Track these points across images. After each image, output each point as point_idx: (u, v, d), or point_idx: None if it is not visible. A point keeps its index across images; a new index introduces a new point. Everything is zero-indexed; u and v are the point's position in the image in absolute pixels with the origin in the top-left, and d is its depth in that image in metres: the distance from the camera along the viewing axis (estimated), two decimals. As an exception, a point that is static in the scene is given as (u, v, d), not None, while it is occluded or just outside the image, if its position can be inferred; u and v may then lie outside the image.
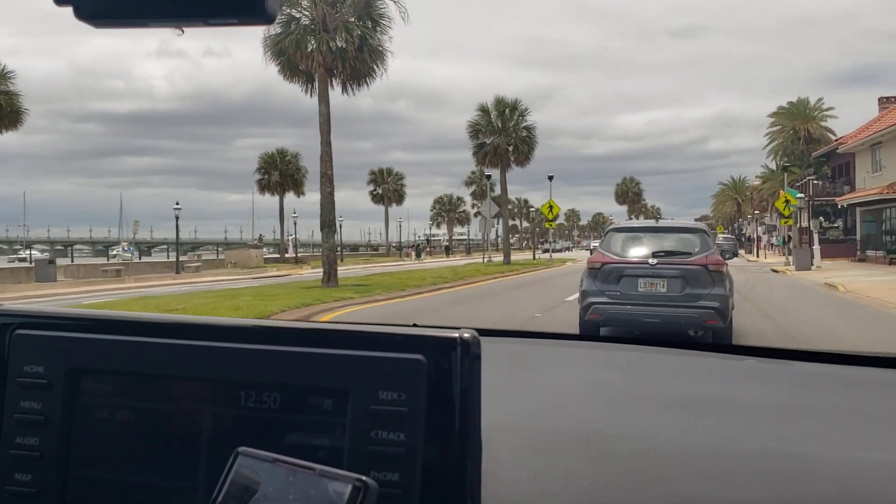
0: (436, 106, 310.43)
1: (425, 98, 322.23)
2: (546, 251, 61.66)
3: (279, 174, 59.04)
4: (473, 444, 0.73)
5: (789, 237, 61.42)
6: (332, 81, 21.55)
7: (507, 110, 43.23)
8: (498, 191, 45.92)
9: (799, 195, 43.55)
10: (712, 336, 8.96)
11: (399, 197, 76.83)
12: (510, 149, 42.91)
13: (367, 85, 21.71)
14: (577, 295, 16.28)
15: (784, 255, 58.30)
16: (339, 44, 20.83)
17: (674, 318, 8.94)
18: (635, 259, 9.27)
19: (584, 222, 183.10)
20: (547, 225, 48.16)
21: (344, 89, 21.67)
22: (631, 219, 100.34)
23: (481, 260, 44.20)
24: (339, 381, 0.75)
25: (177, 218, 42.22)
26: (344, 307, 14.83)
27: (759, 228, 70.06)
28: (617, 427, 0.98)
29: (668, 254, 9.30)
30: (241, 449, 0.67)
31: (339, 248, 70.97)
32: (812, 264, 33.76)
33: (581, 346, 1.69)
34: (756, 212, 72.33)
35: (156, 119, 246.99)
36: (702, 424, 1.00)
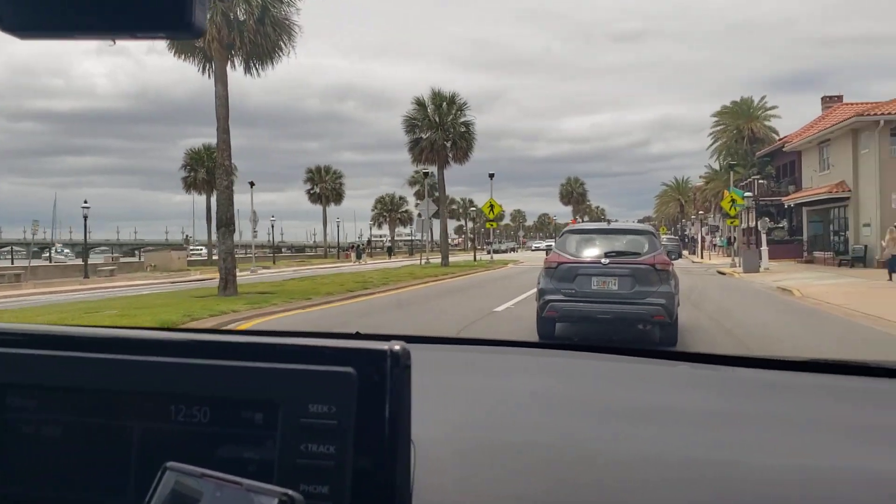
0: (384, 107, 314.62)
1: (374, 99, 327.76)
2: (490, 252, 60.17)
3: (206, 171, 55.67)
4: (403, 455, 0.74)
5: (733, 238, 60.56)
6: (232, 60, 18.84)
7: (445, 104, 40.91)
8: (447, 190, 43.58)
9: (746, 194, 42.13)
10: (659, 331, 9.66)
11: (338, 196, 73.89)
12: (448, 145, 40.60)
13: (272, 63, 19.04)
14: (508, 304, 15.79)
15: (729, 255, 57.40)
16: (238, 16, 18.16)
17: (624, 313, 9.51)
18: (589, 259, 9.80)
19: (530, 223, 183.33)
20: (488, 225, 46.10)
21: (247, 69, 18.99)
22: (577, 220, 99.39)
23: (420, 262, 41.94)
24: (270, 394, 0.75)
25: (85, 217, 38.62)
26: (219, 324, 12.14)
27: (703, 229, 69.31)
28: (550, 436, 0.98)
29: (619, 254, 9.83)
30: (169, 464, 0.68)
31: (277, 249, 68.78)
32: (760, 266, 32.30)
33: (516, 353, 1.65)
34: (700, 212, 71.59)
35: (98, 118, 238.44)
36: (635, 432, 1.01)
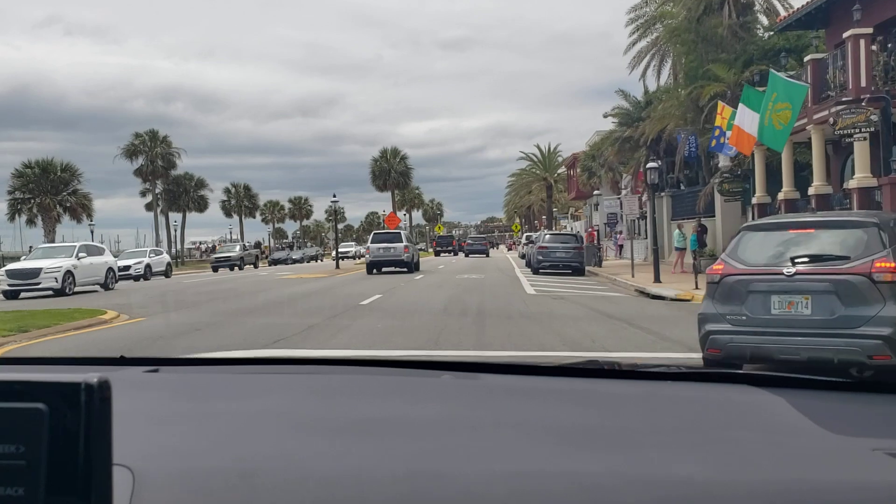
0: (215, 109, 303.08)
1: (203, 101, 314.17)
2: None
3: None
4: (100, 495, 0.70)
5: (702, 228, 27.42)
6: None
7: None
8: None
9: None
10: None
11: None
12: None
13: None
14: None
15: (693, 270, 24.53)
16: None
17: (823, 352, 6.08)
18: (768, 269, 6.49)
19: (356, 225, 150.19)
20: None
21: None
22: (395, 214, 65.58)
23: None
24: None
25: None
26: None
27: (597, 217, 36.56)
28: (276, 459, 1.00)
29: (815, 259, 6.37)
30: None
31: None
32: None
33: (273, 372, 1.65)
34: (603, 188, 38.82)
35: None
36: (362, 447, 1.03)
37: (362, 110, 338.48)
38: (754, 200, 21.34)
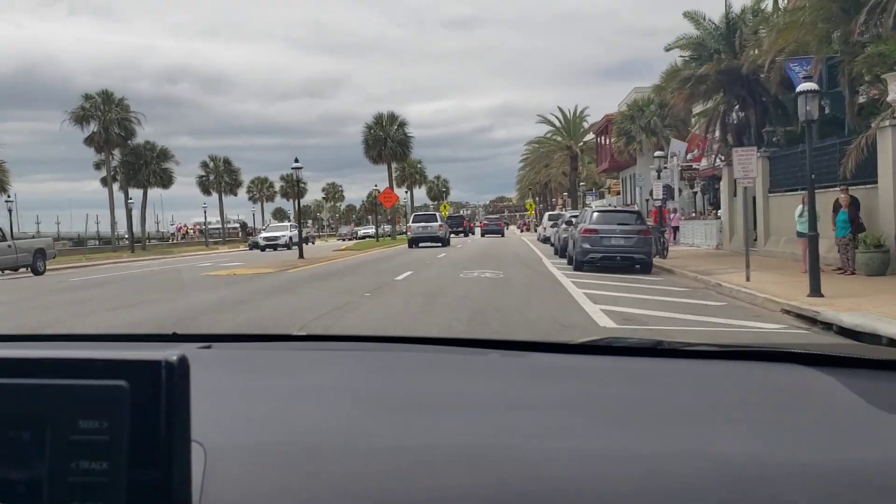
0: (222, 90, 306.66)
1: (209, 82, 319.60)
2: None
3: None
4: (180, 467, 0.73)
5: (854, 202, 16.89)
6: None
7: None
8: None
9: None
10: None
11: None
12: None
13: None
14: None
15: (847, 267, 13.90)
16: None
17: None
18: None
19: (357, 205, 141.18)
20: None
21: None
22: (392, 190, 56.68)
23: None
24: (36, 411, 0.73)
25: None
26: None
27: (657, 189, 26.96)
28: (340, 431, 1.02)
29: None
30: None
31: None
32: None
33: (325, 349, 1.71)
34: (661, 152, 29.15)
35: None
36: (423, 421, 1.06)
37: (368, 91, 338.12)
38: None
